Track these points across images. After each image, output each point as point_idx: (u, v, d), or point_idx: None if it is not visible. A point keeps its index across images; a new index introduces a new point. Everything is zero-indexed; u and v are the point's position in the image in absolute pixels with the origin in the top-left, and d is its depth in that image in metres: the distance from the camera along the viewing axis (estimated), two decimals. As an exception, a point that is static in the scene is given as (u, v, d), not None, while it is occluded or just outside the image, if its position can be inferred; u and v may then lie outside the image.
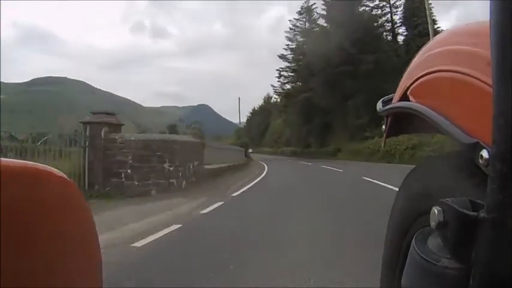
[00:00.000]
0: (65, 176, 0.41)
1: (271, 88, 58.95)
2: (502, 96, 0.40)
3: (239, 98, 59.58)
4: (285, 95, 56.91)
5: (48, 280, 0.37)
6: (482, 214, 0.42)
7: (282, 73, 56.85)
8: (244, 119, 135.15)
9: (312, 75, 46.10)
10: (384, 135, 0.94)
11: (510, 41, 0.40)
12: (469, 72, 0.56)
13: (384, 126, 0.93)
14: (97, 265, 0.46)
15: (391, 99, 0.89)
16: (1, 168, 0.34)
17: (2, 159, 0.35)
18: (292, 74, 55.68)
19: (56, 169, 0.41)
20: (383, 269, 0.85)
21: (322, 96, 45.27)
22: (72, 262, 0.41)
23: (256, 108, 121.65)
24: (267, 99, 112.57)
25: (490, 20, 0.43)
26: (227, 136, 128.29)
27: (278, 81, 57.89)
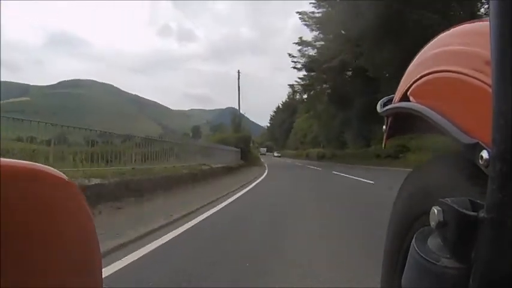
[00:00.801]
0: (65, 176, 0.42)
1: (289, 60, 38.61)
2: (501, 96, 0.40)
3: (238, 72, 41.04)
4: (310, 65, 36.02)
5: (48, 280, 0.37)
6: (482, 214, 0.42)
7: (304, 40, 36.37)
8: (266, 122, 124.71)
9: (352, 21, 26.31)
10: (384, 136, 0.94)
11: (510, 41, 0.40)
12: (469, 73, 0.56)
13: (384, 127, 0.92)
14: (97, 265, 0.46)
15: (391, 99, 0.89)
16: (1, 168, 0.34)
17: (2, 159, 0.35)
18: (320, 33, 34.38)
19: (56, 170, 0.41)
20: (383, 268, 0.85)
21: (372, 53, 26.67)
22: (72, 262, 0.41)
23: (280, 106, 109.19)
24: (292, 94, 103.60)
25: (490, 20, 0.43)
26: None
27: (299, 50, 37.18)
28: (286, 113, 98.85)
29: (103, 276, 0.48)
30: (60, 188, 0.41)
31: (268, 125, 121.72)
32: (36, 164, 0.39)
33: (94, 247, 0.45)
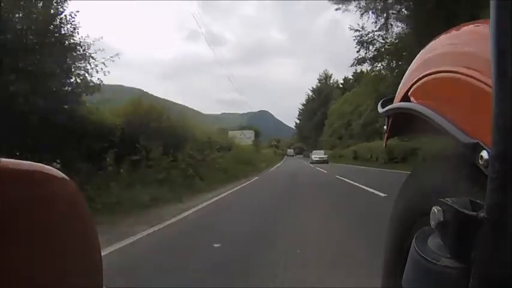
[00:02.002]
0: (65, 176, 0.42)
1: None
2: (501, 97, 0.40)
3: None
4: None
5: (49, 279, 0.37)
6: (481, 214, 0.42)
7: None
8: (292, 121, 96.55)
9: None
10: (385, 135, 0.94)
11: (510, 41, 0.40)
12: (469, 73, 0.57)
13: (385, 127, 0.93)
14: (97, 265, 0.46)
15: (392, 99, 0.89)
16: (2, 168, 0.34)
17: (3, 159, 0.35)
18: None
19: (56, 169, 0.41)
20: (384, 268, 0.86)
21: None
22: (72, 262, 0.42)
23: (309, 93, 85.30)
24: (325, 78, 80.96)
25: (490, 20, 0.43)
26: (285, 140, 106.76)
27: None
28: (317, 102, 77.64)
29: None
30: (60, 187, 0.42)
31: (297, 121, 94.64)
32: (37, 163, 0.39)
33: (94, 246, 0.46)
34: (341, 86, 56.08)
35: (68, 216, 0.42)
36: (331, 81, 78.83)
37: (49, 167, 0.40)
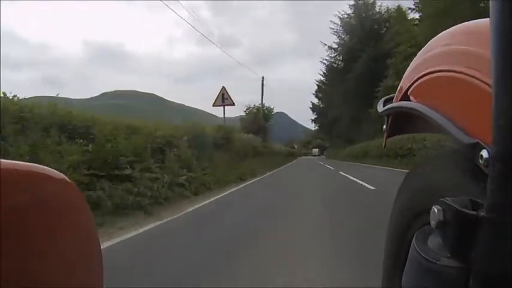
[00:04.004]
0: (65, 177, 0.42)
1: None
2: (501, 96, 0.40)
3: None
4: None
5: (49, 280, 0.37)
6: (482, 213, 0.42)
7: None
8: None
9: None
10: (385, 135, 0.94)
11: (510, 41, 0.40)
12: (469, 72, 0.56)
13: (384, 126, 0.92)
14: (97, 265, 0.46)
15: (392, 98, 0.89)
16: (2, 169, 0.34)
17: (3, 160, 0.35)
18: None
19: (56, 171, 0.41)
20: (384, 267, 0.85)
21: None
22: (72, 262, 0.42)
23: (337, 30, 48.29)
24: (364, 7, 44.89)
25: (490, 19, 0.43)
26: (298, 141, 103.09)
27: None
28: (357, 39, 43.05)
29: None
30: (60, 189, 0.42)
31: (316, 100, 59.31)
32: (36, 165, 0.39)
33: (94, 247, 0.46)
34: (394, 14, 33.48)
35: (68, 218, 0.42)
36: (377, 11, 45.41)
37: (49, 168, 0.41)
